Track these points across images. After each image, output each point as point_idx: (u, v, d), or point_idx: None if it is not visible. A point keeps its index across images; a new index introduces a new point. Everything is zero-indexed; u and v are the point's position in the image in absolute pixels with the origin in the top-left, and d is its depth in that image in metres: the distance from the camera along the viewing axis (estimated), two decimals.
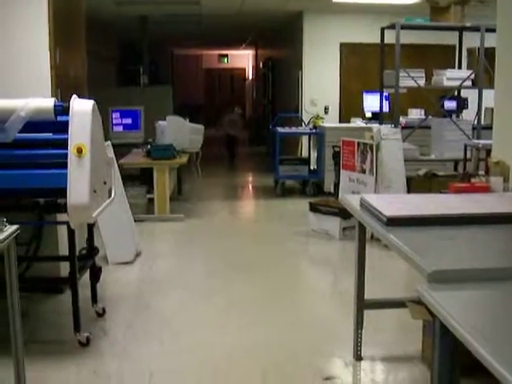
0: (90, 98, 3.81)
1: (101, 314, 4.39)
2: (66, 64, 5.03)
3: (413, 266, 2.44)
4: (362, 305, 3.75)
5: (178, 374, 3.59)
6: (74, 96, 3.68)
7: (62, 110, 3.64)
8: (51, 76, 4.67)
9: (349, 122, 9.58)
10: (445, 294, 2.12)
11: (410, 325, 3.86)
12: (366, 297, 3.74)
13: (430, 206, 3.24)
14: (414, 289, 3.87)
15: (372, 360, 3.76)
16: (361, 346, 3.75)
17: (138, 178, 8.04)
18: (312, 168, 9.52)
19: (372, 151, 6.41)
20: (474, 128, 7.11)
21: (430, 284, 2.22)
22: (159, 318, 4.41)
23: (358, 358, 3.74)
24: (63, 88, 4.83)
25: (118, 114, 8.90)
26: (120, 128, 8.90)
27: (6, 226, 2.77)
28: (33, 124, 3.64)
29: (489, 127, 4.91)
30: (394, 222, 2.93)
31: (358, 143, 6.63)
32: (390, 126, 6.90)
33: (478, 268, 2.36)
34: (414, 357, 3.73)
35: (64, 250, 4.32)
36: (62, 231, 4.33)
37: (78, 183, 3.50)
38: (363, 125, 8.90)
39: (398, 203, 3.35)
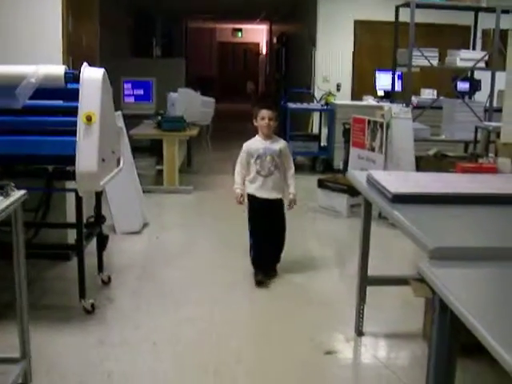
0: (101, 68, 3.81)
1: (106, 282, 4.44)
2: (78, 32, 5.03)
3: (415, 242, 2.45)
4: (365, 281, 3.77)
5: (180, 343, 3.63)
6: (85, 64, 3.69)
7: (73, 77, 3.65)
8: (63, 44, 4.67)
9: (361, 99, 9.53)
10: (445, 270, 2.13)
11: (412, 302, 3.89)
12: (369, 273, 3.76)
13: (436, 184, 3.23)
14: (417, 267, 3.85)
15: (373, 336, 3.79)
16: (363, 321, 3.78)
17: (147, 150, 8.06)
18: (322, 145, 9.51)
19: (382, 129, 6.39)
20: (485, 110, 7.07)
21: (431, 261, 2.24)
22: (164, 289, 4.45)
23: (360, 333, 3.78)
24: (75, 56, 4.84)
25: (129, 85, 8.89)
26: (131, 99, 8.90)
27: (13, 190, 2.79)
28: (43, 91, 3.65)
29: (501, 110, 4.89)
30: (400, 199, 2.93)
31: (369, 121, 6.61)
32: (401, 105, 6.87)
33: (481, 246, 2.37)
34: (416, 334, 3.75)
35: (71, 217, 4.35)
36: (70, 199, 4.36)
37: (87, 151, 3.53)
38: (375, 103, 8.86)
39: (404, 180, 3.35)
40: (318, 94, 9.99)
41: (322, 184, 6.94)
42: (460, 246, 2.35)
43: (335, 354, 3.58)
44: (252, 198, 4.57)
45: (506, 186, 3.25)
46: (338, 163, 8.50)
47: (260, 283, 4.48)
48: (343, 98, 9.83)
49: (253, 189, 4.54)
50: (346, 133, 7.55)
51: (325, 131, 9.58)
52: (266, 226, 4.59)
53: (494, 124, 5.62)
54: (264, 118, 4.46)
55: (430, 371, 2.27)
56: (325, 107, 9.41)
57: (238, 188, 4.54)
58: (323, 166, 9.19)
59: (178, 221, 6.67)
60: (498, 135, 4.63)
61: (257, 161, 4.49)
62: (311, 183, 7.22)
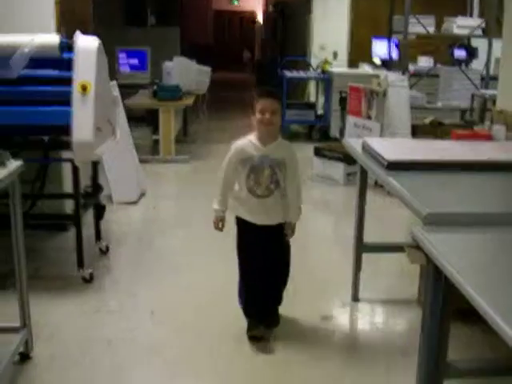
0: (95, 36, 3.79)
1: (104, 252, 4.47)
2: (70, 1, 4.98)
3: (410, 208, 2.48)
4: (362, 248, 3.80)
5: (178, 311, 3.66)
6: (78, 32, 3.66)
7: (67, 46, 3.63)
8: (55, 12, 4.63)
9: (357, 67, 9.49)
10: (439, 236, 2.15)
11: (407, 269, 3.93)
12: (365, 241, 3.79)
13: (431, 151, 3.25)
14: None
15: (369, 302, 3.84)
16: (359, 288, 3.82)
17: (143, 119, 8.04)
18: (318, 113, 9.49)
19: (379, 98, 6.38)
20: (482, 78, 7.05)
21: (425, 226, 2.26)
22: (162, 257, 4.48)
23: (356, 299, 3.82)
24: (67, 25, 4.80)
25: (124, 55, 8.82)
26: (127, 68, 8.84)
27: (9, 160, 2.80)
28: (37, 61, 3.63)
29: (496, 78, 4.88)
30: (395, 166, 2.95)
31: (365, 89, 6.59)
32: (397, 73, 6.84)
33: (474, 212, 2.39)
34: (411, 300, 3.79)
35: (68, 187, 4.37)
36: (67, 169, 4.37)
37: (83, 121, 3.53)
38: (371, 71, 8.82)
39: (399, 148, 3.37)
40: (314, 62, 9.94)
41: (318, 152, 6.94)
42: (454, 212, 2.37)
43: (332, 320, 3.63)
44: (242, 224, 3.27)
45: (500, 153, 3.27)
46: (335, 132, 8.50)
47: (257, 338, 3.28)
48: (340, 66, 9.78)
49: (243, 212, 3.23)
50: (343, 101, 7.54)
51: (321, 100, 9.56)
52: (264, 262, 3.25)
53: (490, 92, 5.61)
54: (264, 111, 3.09)
55: (423, 335, 2.31)
56: (321, 75, 9.38)
57: (218, 209, 3.24)
58: (319, 135, 9.18)
59: (174, 190, 6.69)
60: (495, 103, 4.63)
61: (250, 174, 3.14)
62: (307, 151, 7.22)
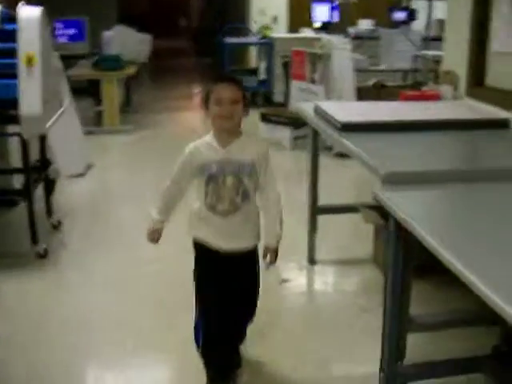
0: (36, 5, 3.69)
1: (57, 227, 4.40)
2: None
3: (368, 169, 2.52)
4: (316, 210, 3.86)
5: (136, 284, 3.65)
6: (22, 2, 3.56)
7: (9, 17, 3.53)
8: None
9: (297, 32, 9.49)
10: (399, 194, 2.21)
11: (361, 230, 4.00)
12: (319, 203, 3.85)
13: (383, 112, 3.31)
14: (366, 195, 3.99)
15: (325, 263, 3.90)
16: (315, 250, 3.88)
17: (85, 91, 7.88)
18: (261, 79, 9.48)
19: (322, 61, 6.42)
20: (423, 39, 7.16)
21: (384, 186, 2.31)
22: (115, 230, 4.45)
23: (312, 262, 3.88)
24: None
25: (61, 25, 8.60)
26: (64, 39, 8.63)
27: None
28: None
29: (438, 38, 4.97)
30: (349, 128, 2.99)
31: (309, 53, 6.62)
32: (339, 36, 6.90)
33: (429, 170, 2.45)
34: (366, 260, 3.88)
35: (16, 162, 4.27)
36: (13, 144, 4.27)
37: (30, 93, 3.45)
38: (312, 35, 8.85)
39: (351, 110, 3.41)
40: (254, 27, 9.90)
41: (264, 118, 6.95)
42: (411, 171, 2.42)
43: (290, 283, 3.68)
44: (202, 248, 2.53)
45: (449, 112, 3.35)
46: (279, 96, 8.52)
47: (217, 381, 2.59)
48: (280, 31, 9.78)
49: (203, 234, 2.52)
50: (286, 66, 7.56)
51: (263, 65, 9.54)
52: (228, 293, 2.53)
53: (431, 53, 5.71)
54: (221, 101, 2.38)
55: (387, 291, 2.37)
56: (263, 41, 9.35)
57: (157, 219, 2.60)
58: (263, 100, 9.19)
59: (121, 161, 6.62)
60: (437, 63, 4.72)
61: (209, 185, 2.44)
62: (252, 117, 7.18)
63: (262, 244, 2.55)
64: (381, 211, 3.76)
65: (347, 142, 2.82)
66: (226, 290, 2.53)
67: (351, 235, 4.29)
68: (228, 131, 2.45)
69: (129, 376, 2.82)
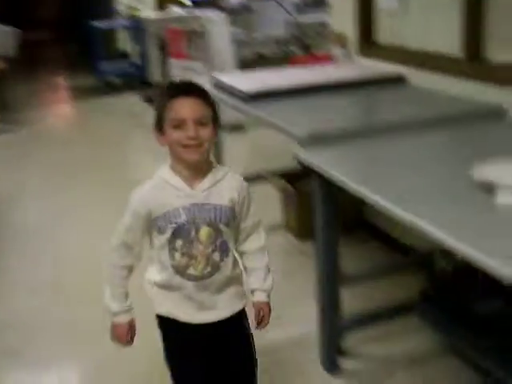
0: None
1: None
2: None
3: (284, 134, 2.56)
4: None
5: (57, 284, 3.54)
6: None
7: None
8: None
9: (165, 10, 9.34)
10: (318, 152, 2.29)
11: (270, 198, 4.04)
12: None
13: (282, 79, 3.35)
14: (269, 165, 4.08)
15: None
16: None
17: None
18: (136, 62, 9.29)
19: (200, 38, 6.39)
20: (296, 6, 7.28)
21: (302, 147, 2.36)
22: (22, 230, 4.27)
23: None
24: None
25: None
26: None
27: None
28: None
29: (310, 4, 5.06)
30: (254, 97, 3.02)
31: (185, 31, 6.57)
32: (214, 11, 6.88)
33: (339, 128, 2.53)
34: (277, 225, 3.95)
35: None
36: None
37: None
38: (183, 13, 8.75)
39: (251, 79, 3.44)
40: (120, 8, 9.66)
41: (149, 99, 6.84)
42: (323, 131, 2.48)
43: None
44: (170, 324, 1.84)
45: (345, 72, 3.44)
46: (156, 77, 8.39)
47: None
48: (148, 11, 9.59)
49: (170, 305, 1.83)
50: (163, 46, 7.47)
51: (137, 48, 9.35)
52: (215, 373, 1.91)
53: (308, 18, 5.83)
54: (182, 122, 1.69)
55: (317, 248, 2.44)
56: (134, 23, 9.13)
57: (119, 310, 1.85)
58: (140, 82, 9.01)
59: (8, 162, 6.26)
60: (321, 27, 4.81)
61: (175, 243, 1.74)
62: (132, 101, 7.08)
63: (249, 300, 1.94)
64: (287, 179, 3.86)
65: (258, 111, 2.86)
66: (211, 369, 1.89)
67: (261, 203, 4.32)
68: (196, 164, 1.74)
69: None
